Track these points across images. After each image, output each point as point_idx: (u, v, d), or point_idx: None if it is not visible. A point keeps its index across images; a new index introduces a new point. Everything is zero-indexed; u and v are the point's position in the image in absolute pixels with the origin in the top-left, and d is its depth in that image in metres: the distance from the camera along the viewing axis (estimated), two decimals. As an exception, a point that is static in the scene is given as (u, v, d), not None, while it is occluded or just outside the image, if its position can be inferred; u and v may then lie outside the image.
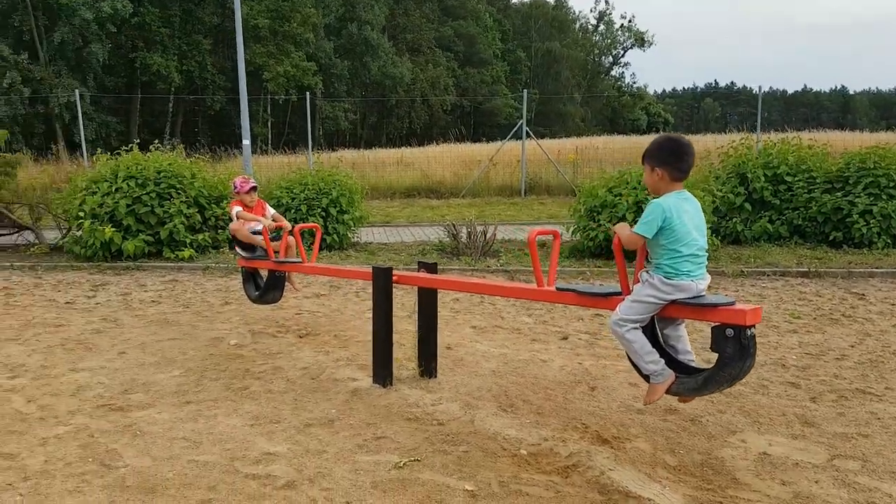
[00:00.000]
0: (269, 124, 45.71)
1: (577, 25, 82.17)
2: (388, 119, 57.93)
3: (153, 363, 5.04)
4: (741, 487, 3.22)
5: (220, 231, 9.65)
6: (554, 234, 3.90)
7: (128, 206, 8.97)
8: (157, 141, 10.39)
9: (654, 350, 3.28)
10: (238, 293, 7.43)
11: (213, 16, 42.12)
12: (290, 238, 5.82)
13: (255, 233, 5.80)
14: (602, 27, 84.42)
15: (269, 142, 41.28)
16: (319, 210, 9.71)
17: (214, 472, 3.31)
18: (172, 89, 40.06)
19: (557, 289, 3.67)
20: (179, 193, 9.24)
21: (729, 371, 3.05)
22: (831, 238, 9.57)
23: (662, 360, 3.27)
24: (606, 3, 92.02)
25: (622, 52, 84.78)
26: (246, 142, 13.71)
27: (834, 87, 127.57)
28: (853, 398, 4.33)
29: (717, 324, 3.07)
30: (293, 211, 9.75)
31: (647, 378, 3.34)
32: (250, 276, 5.99)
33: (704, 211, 9.57)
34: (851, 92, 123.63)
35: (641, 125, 71.35)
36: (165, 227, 9.05)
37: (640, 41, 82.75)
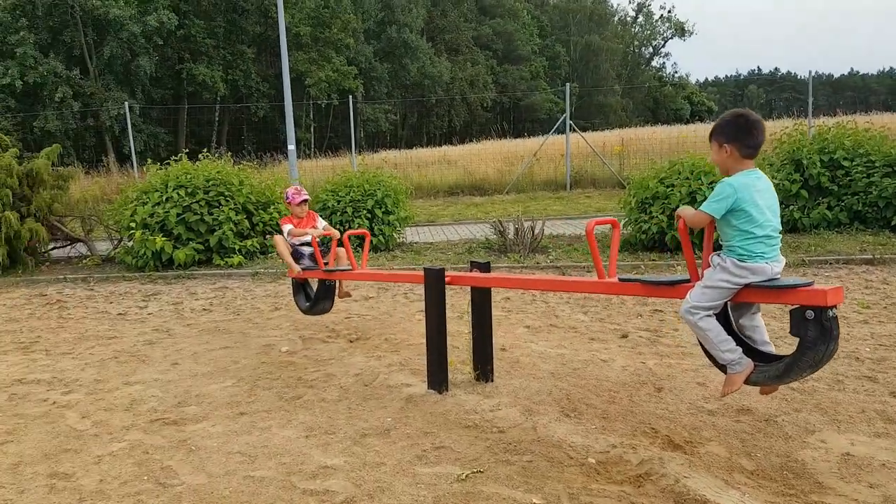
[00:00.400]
0: (312, 129, 46.22)
1: (616, 18, 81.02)
2: (427, 118, 58.01)
3: (206, 373, 5.00)
4: (826, 492, 3.01)
5: (267, 236, 9.67)
6: (613, 224, 3.74)
7: (178, 214, 9.05)
8: (204, 150, 10.45)
9: (729, 338, 3.10)
10: (287, 298, 7.39)
11: (257, 25, 42.72)
12: (340, 249, 5.74)
13: (303, 245, 5.77)
14: (641, 19, 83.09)
15: (312, 145, 41.74)
16: (365, 212, 9.65)
17: (271, 488, 3.21)
18: (218, 98, 40.80)
19: (620, 279, 3.52)
20: (228, 200, 9.27)
21: (811, 355, 2.86)
22: (893, 223, 9.13)
23: (740, 349, 3.09)
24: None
25: (662, 42, 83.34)
26: (291, 147, 13.76)
27: (882, 69, 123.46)
28: (938, 392, 4.05)
29: (795, 306, 2.88)
30: (339, 213, 9.72)
31: (723, 368, 3.16)
32: (300, 288, 5.93)
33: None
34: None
35: (684, 114, 70.01)
36: (215, 234, 9.10)
37: (681, 31, 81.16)
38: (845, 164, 9.66)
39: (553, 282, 4.18)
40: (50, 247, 10.55)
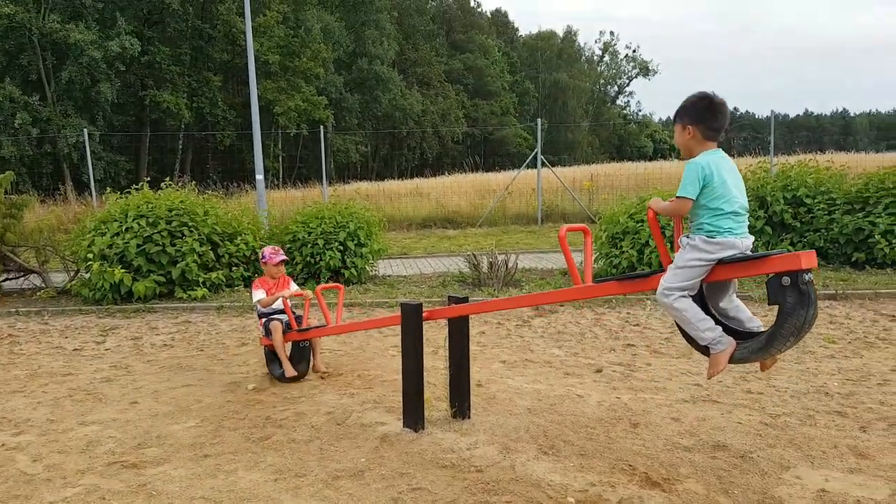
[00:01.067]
0: (281, 158, 45.98)
1: (583, 57, 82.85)
2: (399, 150, 58.31)
3: (167, 413, 4.80)
4: (805, 532, 2.96)
5: (233, 269, 9.46)
6: (584, 231, 3.78)
7: (138, 245, 8.78)
8: (167, 178, 10.19)
9: (707, 317, 3.10)
10: (255, 333, 7.20)
11: (224, 52, 42.54)
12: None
13: (275, 313, 5.58)
14: (607, 58, 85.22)
15: (282, 175, 41.48)
16: (337, 244, 9.52)
17: (238, 534, 3.06)
18: (182, 126, 40.37)
19: (595, 281, 3.55)
20: (192, 231, 9.04)
21: (793, 321, 2.86)
22: (854, 259, 9.29)
23: (719, 328, 3.09)
24: (611, 34, 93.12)
25: (627, 81, 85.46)
26: (259, 176, 13.59)
27: (835, 110, 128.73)
28: (906, 427, 4.07)
29: (771, 276, 2.90)
30: (310, 245, 9.57)
31: (705, 351, 3.15)
32: (274, 355, 5.57)
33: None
34: (852, 114, 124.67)
35: (648, 152, 71.80)
36: (177, 266, 8.84)
37: (645, 70, 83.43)
38: (807, 201, 9.84)
39: (532, 297, 4.17)
40: (1, 278, 10.11)
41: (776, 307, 2.93)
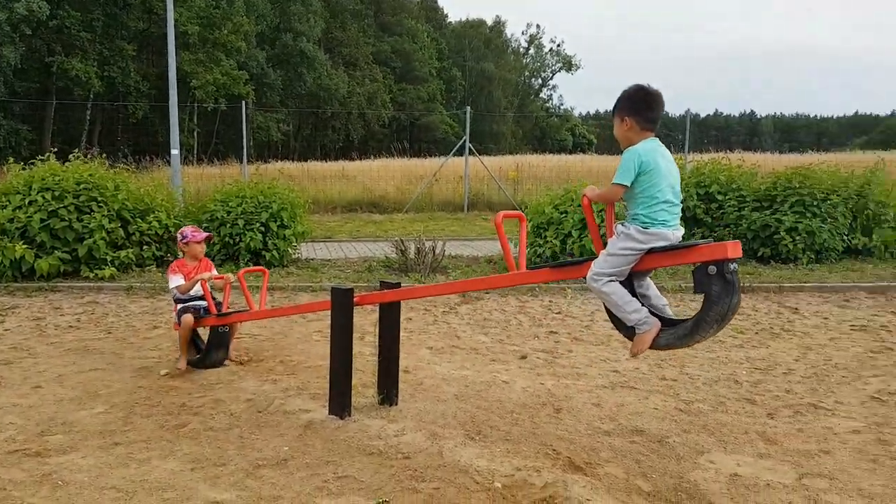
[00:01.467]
0: (196, 134, 44.23)
1: (510, 48, 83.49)
2: (323, 131, 57.19)
3: (73, 398, 4.52)
4: (718, 513, 3.08)
5: (145, 248, 9.00)
6: (520, 218, 3.81)
7: (42, 220, 8.24)
8: (76, 150, 9.59)
9: (634, 299, 3.17)
10: (168, 315, 6.91)
11: (139, 21, 40.50)
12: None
13: (194, 299, 5.29)
14: (532, 50, 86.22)
15: (196, 152, 39.92)
16: (258, 225, 9.24)
17: (153, 526, 2.92)
18: (91, 96, 38.25)
19: (529, 268, 3.59)
20: (101, 206, 8.54)
21: (718, 309, 2.95)
22: (760, 254, 9.75)
23: (645, 309, 3.17)
24: (537, 27, 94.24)
25: (551, 74, 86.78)
26: (175, 151, 12.97)
27: (743, 112, 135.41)
28: (808, 413, 4.32)
29: (697, 265, 2.98)
30: (229, 226, 9.25)
31: (629, 332, 3.23)
32: (189, 339, 5.32)
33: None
34: (759, 116, 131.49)
35: (568, 145, 73.37)
36: (84, 243, 8.34)
37: (568, 65, 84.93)
38: (719, 197, 10.24)
39: (467, 283, 4.14)
40: None
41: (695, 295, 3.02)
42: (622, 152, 3.16)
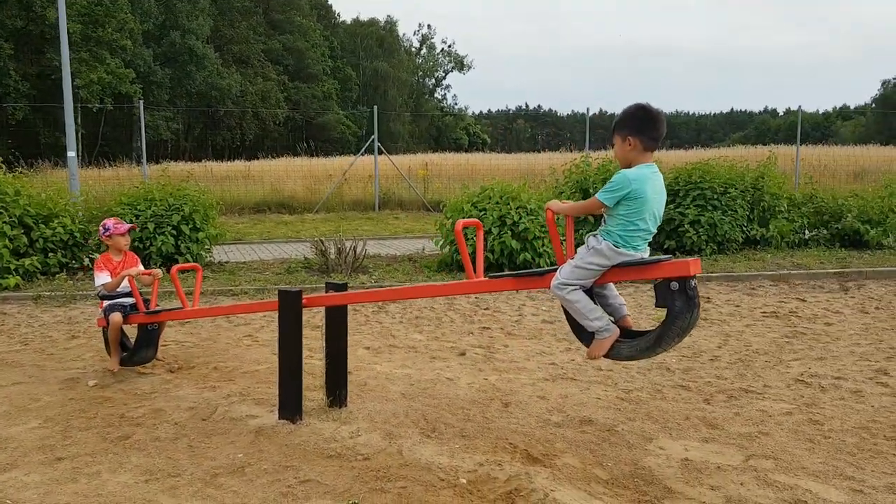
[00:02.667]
0: (80, 135, 41.74)
1: (402, 48, 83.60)
2: (215, 130, 55.29)
3: (2, 414, 4.22)
4: (676, 496, 3.24)
5: (50, 255, 8.45)
6: (477, 226, 3.82)
7: (-65, 228, 7.60)
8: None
9: (597, 307, 3.25)
10: (85, 325, 6.52)
11: (17, 19, 37.79)
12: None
13: (123, 296, 5.05)
14: (425, 50, 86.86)
15: (81, 154, 37.67)
16: (170, 228, 8.85)
17: (121, 544, 2.77)
18: (-37, 96, 35.41)
19: (490, 276, 3.59)
20: (1, 213, 7.95)
21: (680, 324, 3.05)
22: (666, 247, 10.25)
23: (607, 317, 3.25)
24: (429, 27, 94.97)
25: (444, 74, 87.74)
26: (71, 153, 12.20)
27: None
28: (741, 397, 4.58)
29: (659, 280, 3.07)
30: (138, 230, 8.81)
31: (587, 338, 3.30)
32: (118, 338, 5.10)
33: (560, 224, 9.99)
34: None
35: (463, 144, 74.43)
36: (-15, 251, 7.76)
37: (461, 65, 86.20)
38: (625, 193, 10.70)
39: (429, 288, 4.12)
40: None
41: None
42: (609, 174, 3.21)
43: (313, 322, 6.16)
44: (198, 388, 4.72)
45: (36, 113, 37.58)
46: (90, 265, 9.02)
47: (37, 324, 6.65)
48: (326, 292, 4.25)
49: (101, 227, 5.21)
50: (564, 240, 3.36)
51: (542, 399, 4.56)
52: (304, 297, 4.04)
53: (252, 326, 6.55)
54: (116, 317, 4.91)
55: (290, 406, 4.03)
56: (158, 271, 5.14)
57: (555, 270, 3.33)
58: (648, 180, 3.08)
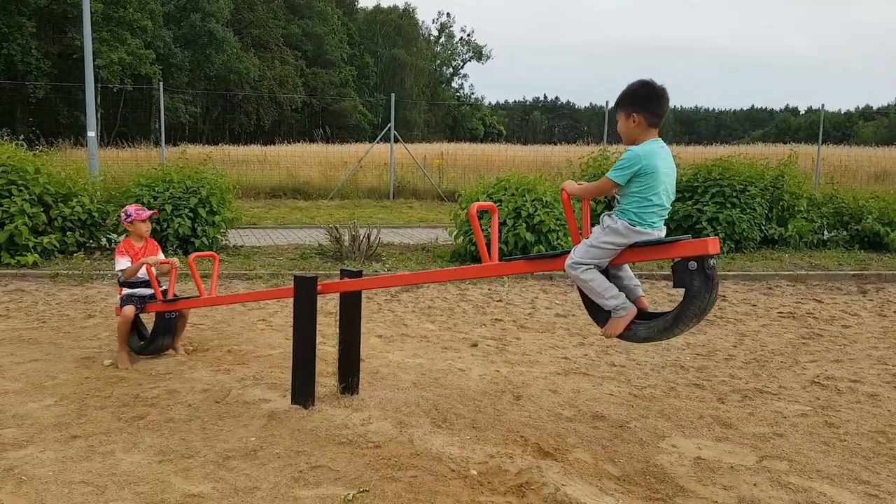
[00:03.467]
0: (99, 115, 42.05)
1: (421, 36, 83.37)
2: (233, 114, 55.49)
3: (18, 390, 4.26)
4: (688, 495, 3.22)
5: (68, 234, 8.51)
6: (492, 210, 3.79)
7: (-43, 204, 7.66)
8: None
9: (612, 285, 3.21)
10: (101, 304, 6.57)
11: (40, -3, 38.11)
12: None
13: (141, 284, 5.07)
14: (443, 39, 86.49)
15: (100, 134, 37.93)
16: (187, 210, 8.89)
17: (134, 523, 2.79)
18: (-14, 73, 35.75)
19: (503, 259, 3.59)
20: (21, 191, 8.02)
21: (698, 304, 3.00)
22: (682, 243, 10.16)
23: (623, 294, 3.21)
24: (448, 16, 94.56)
25: (462, 63, 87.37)
26: (91, 133, 12.28)
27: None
28: (755, 398, 4.54)
29: (677, 260, 3.02)
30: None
31: (602, 318, 3.28)
32: (132, 325, 5.08)
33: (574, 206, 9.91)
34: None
35: (479, 134, 74.30)
36: (5, 228, 7.81)
37: (479, 55, 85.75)
38: (643, 187, 10.62)
39: (444, 273, 4.11)
40: None
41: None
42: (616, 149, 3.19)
43: (326, 309, 6.17)
44: (212, 371, 4.75)
45: (57, 92, 37.87)
46: (108, 245, 9.09)
47: (54, 302, 6.71)
48: (341, 279, 4.26)
49: (122, 213, 5.23)
50: (581, 224, 3.34)
51: (554, 393, 4.55)
52: (319, 283, 4.04)
53: (266, 311, 6.58)
54: (129, 310, 4.91)
55: (303, 392, 4.04)
56: (176, 260, 5.17)
57: (566, 253, 3.31)
58: (657, 155, 3.06)
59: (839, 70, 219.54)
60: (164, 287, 5.09)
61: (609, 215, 3.17)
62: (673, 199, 3.18)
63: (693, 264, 2.95)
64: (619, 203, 3.14)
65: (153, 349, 5.05)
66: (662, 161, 3.07)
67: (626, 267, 3.38)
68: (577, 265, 3.20)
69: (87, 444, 3.50)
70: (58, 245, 8.31)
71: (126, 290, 5.05)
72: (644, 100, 3.12)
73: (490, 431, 3.87)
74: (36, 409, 3.96)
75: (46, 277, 7.65)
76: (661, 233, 3.16)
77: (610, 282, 3.29)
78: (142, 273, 5.02)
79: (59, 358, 4.95)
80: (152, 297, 5.01)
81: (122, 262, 4.99)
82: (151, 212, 5.24)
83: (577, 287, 3.39)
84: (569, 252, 3.31)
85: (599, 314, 3.33)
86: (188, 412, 3.99)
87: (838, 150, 26.52)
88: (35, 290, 7.18)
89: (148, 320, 5.33)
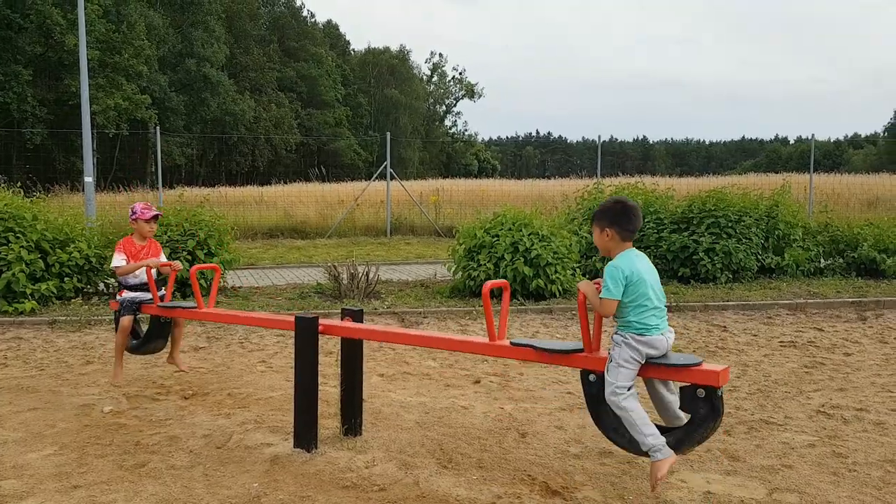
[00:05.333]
0: (96, 160, 42.33)
1: (414, 75, 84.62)
2: (228, 156, 55.95)
3: (18, 440, 4.21)
4: (699, 530, 3.17)
5: (65, 280, 8.49)
6: (504, 287, 3.73)
7: (-47, 253, 7.65)
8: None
9: (652, 423, 3.18)
10: (101, 350, 6.52)
11: (36, 45, 38.63)
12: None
13: (138, 287, 5.11)
14: (436, 78, 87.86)
15: (96, 179, 38.14)
16: (185, 253, 8.88)
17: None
18: (-18, 121, 36.08)
19: (513, 343, 3.49)
20: (18, 237, 8.02)
21: (702, 432, 3.04)
22: (680, 274, 10.18)
23: (663, 438, 3.15)
24: (440, 55, 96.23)
25: (454, 101, 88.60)
26: (88, 178, 12.34)
27: (636, 137, 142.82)
28: (761, 429, 4.50)
29: (687, 384, 3.03)
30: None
31: (641, 453, 3.22)
32: (124, 344, 5.18)
33: (572, 251, 9.98)
34: (651, 142, 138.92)
35: (473, 170, 75.13)
36: (3, 276, 7.78)
37: (471, 93, 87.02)
38: (638, 220, 10.67)
39: (448, 341, 3.92)
40: None
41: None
42: (603, 259, 3.27)
43: (326, 348, 6.13)
44: (212, 415, 4.70)
45: (53, 138, 38.14)
46: (105, 290, 9.06)
47: (52, 349, 6.66)
48: (342, 318, 4.24)
49: (130, 209, 5.34)
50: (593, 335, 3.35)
51: (560, 429, 4.50)
52: (321, 324, 4.03)
53: (266, 352, 6.53)
54: (126, 321, 4.98)
55: (306, 435, 3.99)
56: (178, 263, 5.21)
57: (578, 350, 3.33)
58: (634, 261, 3.23)
59: (828, 99, 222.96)
60: (162, 292, 5.16)
61: (618, 332, 3.23)
62: (663, 299, 3.26)
63: (702, 392, 2.99)
64: (618, 322, 3.21)
65: (146, 350, 5.18)
66: (642, 264, 3.23)
67: (674, 400, 3.33)
68: (619, 389, 3.16)
69: (89, 494, 3.44)
70: (55, 291, 8.28)
71: (127, 294, 5.09)
72: (615, 215, 3.31)
73: (497, 471, 3.82)
74: (36, 460, 3.90)
75: (44, 324, 7.60)
76: (670, 335, 3.21)
77: (655, 398, 3.32)
78: (142, 275, 5.06)
79: (59, 406, 4.90)
80: (151, 300, 5.03)
81: (118, 259, 5.04)
82: (157, 212, 5.31)
83: (589, 408, 3.36)
84: (578, 350, 3.34)
85: (631, 444, 3.24)
86: (190, 458, 3.94)
87: (830, 179, 26.78)
88: (33, 338, 7.13)
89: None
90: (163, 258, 5.29)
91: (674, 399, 3.31)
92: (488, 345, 3.58)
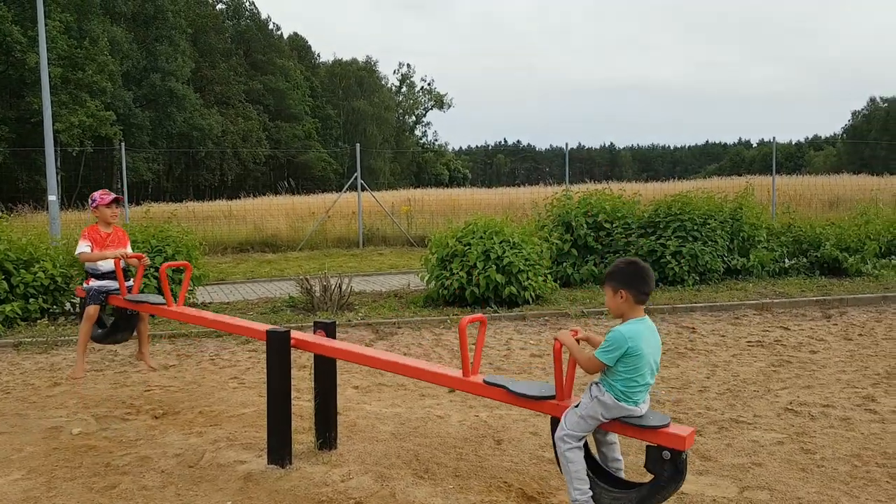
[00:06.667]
0: (60, 178, 41.57)
1: (382, 86, 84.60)
2: (196, 171, 55.37)
3: (-17, 467, 4.12)
4: (674, 531, 3.22)
5: (30, 300, 8.32)
6: (481, 321, 3.67)
7: (-90, 275, 7.47)
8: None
9: (586, 479, 3.16)
10: (67, 370, 6.39)
11: (-6, 63, 37.96)
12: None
13: (104, 275, 5.06)
14: (405, 89, 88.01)
15: (61, 197, 37.43)
16: (153, 270, 8.76)
17: None
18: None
19: (486, 382, 3.42)
20: (-20, 259, 7.86)
21: (664, 493, 3.02)
22: (647, 279, 10.29)
23: (590, 493, 3.15)
24: (408, 66, 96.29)
25: (424, 112, 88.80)
26: (52, 197, 12.12)
27: (603, 144, 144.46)
28: (731, 428, 4.59)
29: (652, 444, 3.02)
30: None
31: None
32: (88, 335, 5.14)
33: (543, 257, 10.05)
34: (618, 147, 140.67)
35: (444, 179, 75.35)
36: (-36, 298, 7.63)
37: (440, 103, 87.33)
38: (606, 225, 10.80)
39: (417, 370, 3.76)
40: None
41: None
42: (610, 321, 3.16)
43: (300, 361, 6.10)
44: (183, 434, 4.64)
45: (15, 157, 37.44)
46: (72, 310, 8.90)
47: (18, 371, 6.52)
48: (314, 331, 4.23)
49: (89, 199, 5.31)
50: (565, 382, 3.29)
51: (535, 435, 4.54)
52: (292, 337, 4.01)
53: (238, 368, 6.47)
54: (92, 310, 4.98)
55: (280, 450, 3.97)
56: (146, 257, 5.17)
57: (548, 398, 3.27)
58: (642, 337, 3.09)
59: (788, 102, 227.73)
60: (129, 283, 5.13)
61: (597, 384, 3.15)
62: (657, 372, 3.20)
63: (667, 454, 2.97)
64: (606, 374, 3.14)
65: (110, 341, 5.17)
66: (647, 342, 3.09)
67: (616, 447, 3.34)
68: (569, 440, 3.15)
69: (58, 519, 3.38)
70: (20, 313, 8.10)
71: (94, 282, 5.03)
72: (630, 277, 3.16)
73: (473, 479, 3.84)
74: (2, 485, 3.82)
75: (9, 346, 7.43)
76: (645, 406, 3.17)
77: (600, 448, 3.29)
78: (107, 265, 5.05)
79: (26, 429, 4.79)
80: (118, 290, 5.00)
81: (82, 246, 5.04)
82: (115, 196, 5.26)
83: (556, 452, 3.32)
84: (547, 397, 3.29)
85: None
86: (162, 479, 3.88)
87: (792, 180, 27.31)
88: (-3, 361, 6.98)
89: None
90: (129, 248, 5.26)
91: (616, 443, 3.31)
92: (461, 380, 3.50)
